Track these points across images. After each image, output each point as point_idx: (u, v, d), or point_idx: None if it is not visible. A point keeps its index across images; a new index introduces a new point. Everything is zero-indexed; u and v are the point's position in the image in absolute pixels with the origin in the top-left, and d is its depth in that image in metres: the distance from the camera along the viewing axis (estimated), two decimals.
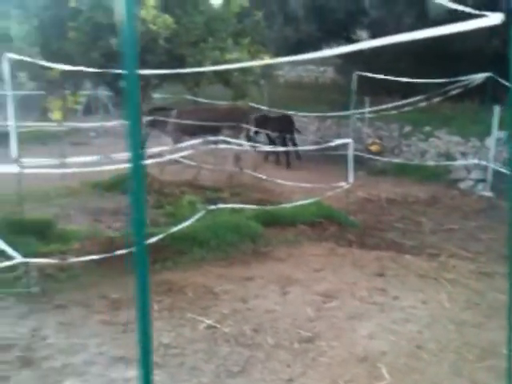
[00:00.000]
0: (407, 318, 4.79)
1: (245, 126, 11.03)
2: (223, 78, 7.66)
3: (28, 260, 5.07)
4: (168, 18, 5.70)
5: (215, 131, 10.63)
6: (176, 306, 4.93)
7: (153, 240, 5.86)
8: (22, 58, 4.95)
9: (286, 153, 12.98)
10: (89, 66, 5.86)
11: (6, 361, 3.85)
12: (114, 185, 9.80)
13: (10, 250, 5.18)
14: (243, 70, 7.51)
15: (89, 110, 19.71)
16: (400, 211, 9.12)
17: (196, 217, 6.33)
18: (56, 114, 5.89)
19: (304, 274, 5.84)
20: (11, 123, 4.92)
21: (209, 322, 4.60)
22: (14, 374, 3.70)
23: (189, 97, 15.21)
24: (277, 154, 13.23)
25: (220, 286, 5.44)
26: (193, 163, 11.34)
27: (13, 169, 4.89)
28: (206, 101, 16.11)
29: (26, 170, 5.00)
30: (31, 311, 4.71)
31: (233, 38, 7.57)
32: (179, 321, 4.62)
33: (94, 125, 16.54)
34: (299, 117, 14.81)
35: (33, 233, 6.44)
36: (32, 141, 14.41)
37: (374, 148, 13.24)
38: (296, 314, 4.78)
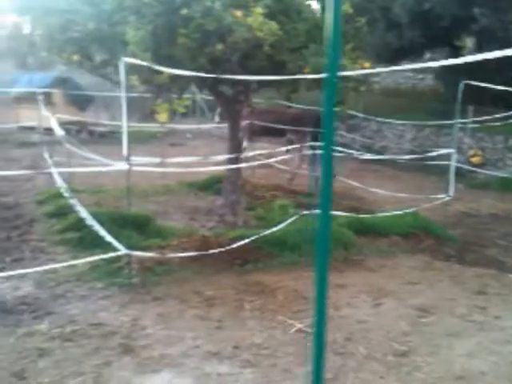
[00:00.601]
0: (508, 339, 4.49)
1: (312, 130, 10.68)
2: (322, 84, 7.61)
3: (131, 252, 5.36)
4: (274, 25, 5.78)
5: (281, 134, 11.07)
6: (267, 307, 4.97)
7: (245, 241, 5.99)
8: (136, 61, 5.26)
9: None
10: (196, 71, 6.11)
11: (109, 347, 4.08)
12: (208, 185, 10.12)
13: (115, 243, 5.51)
14: (343, 76, 7.44)
15: (186, 113, 20.49)
16: (503, 227, 8.58)
17: (289, 221, 6.35)
18: (162, 116, 6.17)
19: (398, 286, 5.66)
20: (122, 123, 5.22)
21: (300, 325, 4.59)
22: (116, 359, 3.91)
23: (282, 102, 15.39)
24: None
25: (311, 292, 5.40)
26: (285, 167, 11.44)
27: (123, 166, 5.20)
28: (298, 106, 16.22)
29: (135, 168, 5.29)
30: (132, 301, 4.96)
31: None
32: (270, 322, 4.65)
33: (190, 127, 17.27)
34: (395, 125, 14.45)
35: (134, 227, 6.79)
36: (134, 140, 15.30)
37: (475, 159, 12.59)
38: (389, 327, 4.64)
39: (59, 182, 7.77)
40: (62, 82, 14.10)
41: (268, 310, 4.91)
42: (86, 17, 6.51)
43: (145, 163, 6.17)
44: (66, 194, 6.93)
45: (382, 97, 17.09)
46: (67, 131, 14.37)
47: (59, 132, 7.94)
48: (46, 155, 9.84)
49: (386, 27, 13.22)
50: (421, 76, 18.92)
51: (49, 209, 7.84)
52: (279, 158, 7.95)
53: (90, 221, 6.08)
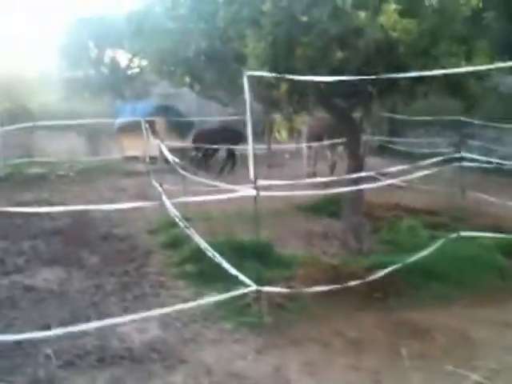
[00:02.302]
0: None
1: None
2: (455, 86, 6.73)
3: (262, 288, 4.79)
4: (410, 23, 5.07)
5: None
6: (428, 353, 4.17)
7: (386, 271, 5.22)
8: (263, 74, 4.77)
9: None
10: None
11: None
12: (319, 208, 9.44)
13: (242, 277, 4.99)
14: (479, 78, 6.53)
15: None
16: None
17: (435, 246, 5.50)
18: (282, 135, 5.64)
19: None
20: (248, 146, 4.73)
21: (476, 377, 3.74)
22: None
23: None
24: None
25: (475, 331, 4.52)
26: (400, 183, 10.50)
27: (250, 192, 4.69)
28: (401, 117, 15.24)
29: (263, 193, 4.75)
30: (268, 345, 4.37)
31: (463, 42, 6.64)
32: (438, 374, 3.85)
33: (287, 146, 16.75)
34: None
35: (254, 256, 6.28)
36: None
37: None
38: None
39: (172, 211, 7.50)
40: (164, 110, 14.22)
41: (430, 357, 4.11)
42: (197, 35, 6.20)
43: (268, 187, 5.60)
44: (180, 223, 6.61)
45: (504, 99, 15.55)
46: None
47: (172, 159, 7.72)
48: (155, 183, 9.72)
49: None
50: None
51: (163, 239, 7.55)
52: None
53: (210, 251, 5.64)
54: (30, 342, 4.19)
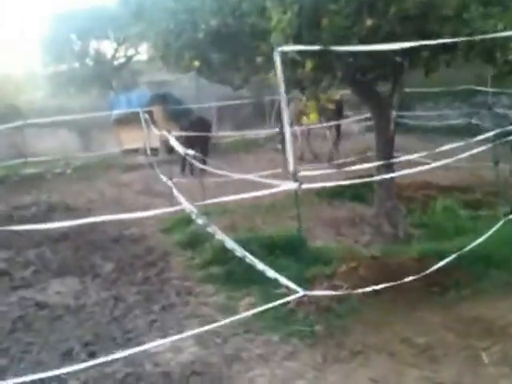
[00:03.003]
0: None
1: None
2: (490, 52, 6.11)
3: (309, 293, 4.22)
4: None
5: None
6: None
7: (444, 262, 4.65)
8: (297, 48, 4.14)
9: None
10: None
11: None
12: (339, 193, 8.85)
13: (284, 280, 4.42)
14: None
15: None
16: None
17: (494, 228, 4.94)
18: (312, 117, 5.04)
19: None
20: (284, 130, 4.11)
21: None
22: None
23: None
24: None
25: None
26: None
27: (291, 185, 4.09)
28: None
29: (304, 186, 4.15)
30: (326, 359, 3.81)
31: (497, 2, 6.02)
32: None
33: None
34: None
35: (287, 253, 5.73)
36: (238, 149, 14.40)
37: None
38: None
39: (186, 206, 6.92)
40: (161, 98, 13.47)
41: None
42: (206, 13, 5.54)
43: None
44: (198, 220, 6.01)
45: None
46: (171, 149, 13.79)
47: (183, 150, 7.07)
48: (163, 176, 9.09)
49: None
50: None
51: (179, 238, 6.96)
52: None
53: (238, 250, 5.06)
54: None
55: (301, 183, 4.05)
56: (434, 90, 13.48)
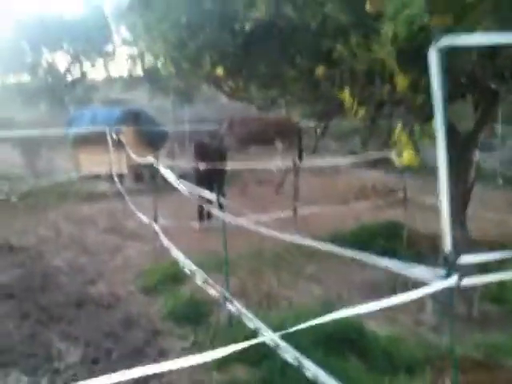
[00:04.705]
0: None
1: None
2: None
3: None
4: None
5: (267, 143, 11.48)
6: None
7: None
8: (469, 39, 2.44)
9: None
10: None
11: None
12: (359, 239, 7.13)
13: None
14: None
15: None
16: None
17: None
18: (406, 158, 3.35)
19: None
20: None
21: None
22: None
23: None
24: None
25: None
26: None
27: (446, 282, 2.34)
28: None
29: None
30: None
31: None
32: None
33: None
34: None
35: (343, 348, 3.94)
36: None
37: None
38: None
39: (175, 253, 5.19)
40: (132, 117, 11.50)
41: None
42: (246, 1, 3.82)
43: None
44: (197, 280, 4.26)
45: None
46: (140, 176, 11.78)
47: (172, 178, 5.27)
48: (139, 214, 7.19)
49: None
50: None
51: (172, 307, 4.99)
52: None
53: (284, 348, 3.22)
54: None
55: (461, 276, 2.28)
56: None
